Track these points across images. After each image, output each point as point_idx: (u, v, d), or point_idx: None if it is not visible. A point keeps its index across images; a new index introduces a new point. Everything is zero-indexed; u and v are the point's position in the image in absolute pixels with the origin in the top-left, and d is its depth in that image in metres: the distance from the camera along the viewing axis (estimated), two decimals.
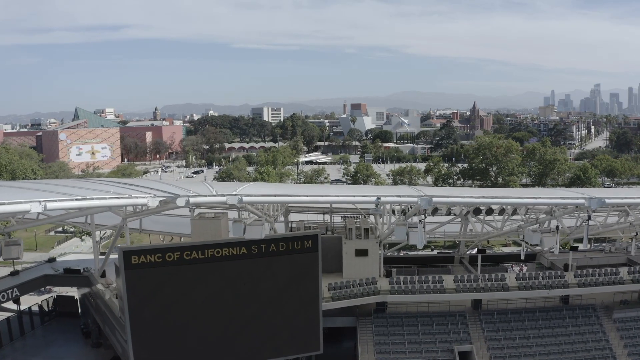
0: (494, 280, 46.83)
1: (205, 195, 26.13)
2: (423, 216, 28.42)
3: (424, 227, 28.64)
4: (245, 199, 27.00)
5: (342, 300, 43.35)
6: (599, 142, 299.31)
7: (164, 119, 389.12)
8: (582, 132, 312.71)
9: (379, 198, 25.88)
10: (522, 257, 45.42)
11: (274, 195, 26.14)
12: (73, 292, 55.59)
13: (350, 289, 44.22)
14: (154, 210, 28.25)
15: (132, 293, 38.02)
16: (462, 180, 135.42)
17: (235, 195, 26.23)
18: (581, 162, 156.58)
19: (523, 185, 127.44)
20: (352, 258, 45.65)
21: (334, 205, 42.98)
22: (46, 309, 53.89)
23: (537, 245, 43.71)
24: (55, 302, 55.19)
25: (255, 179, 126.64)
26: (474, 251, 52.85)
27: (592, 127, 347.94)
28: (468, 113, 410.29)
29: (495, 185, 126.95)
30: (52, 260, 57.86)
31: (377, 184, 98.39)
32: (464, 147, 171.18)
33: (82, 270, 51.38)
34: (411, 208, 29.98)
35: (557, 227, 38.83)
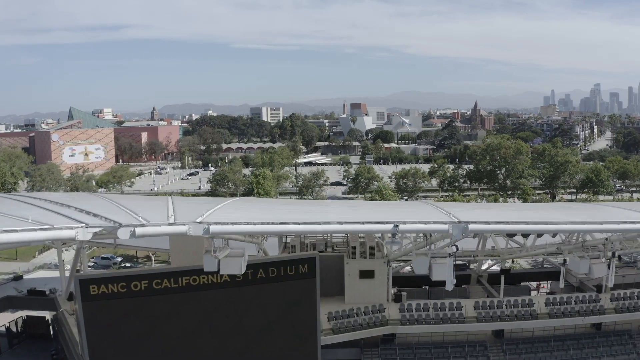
0: (520, 306, 40.19)
1: (159, 225, 19.50)
2: (454, 248, 21.62)
3: (454, 261, 21.93)
4: (214, 228, 19.86)
5: (344, 332, 36.70)
6: (602, 142, 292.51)
7: (161, 119, 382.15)
8: (586, 132, 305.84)
9: (396, 226, 19.35)
10: (561, 286, 38.58)
11: (253, 224, 19.37)
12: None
13: (354, 318, 37.53)
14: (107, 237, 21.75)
15: (91, 329, 31.42)
16: (469, 183, 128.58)
17: (201, 223, 19.84)
18: (590, 163, 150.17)
19: (533, 188, 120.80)
20: (355, 280, 39.00)
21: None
22: (15, 330, 47.44)
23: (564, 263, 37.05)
24: (25, 322, 48.75)
25: (250, 182, 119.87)
26: (488, 263, 46.40)
27: (595, 127, 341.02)
28: (469, 113, 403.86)
29: (504, 188, 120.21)
30: (18, 278, 51.61)
31: (381, 189, 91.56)
32: (470, 148, 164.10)
33: (47, 292, 45.20)
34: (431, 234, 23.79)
35: (613, 253, 31.89)
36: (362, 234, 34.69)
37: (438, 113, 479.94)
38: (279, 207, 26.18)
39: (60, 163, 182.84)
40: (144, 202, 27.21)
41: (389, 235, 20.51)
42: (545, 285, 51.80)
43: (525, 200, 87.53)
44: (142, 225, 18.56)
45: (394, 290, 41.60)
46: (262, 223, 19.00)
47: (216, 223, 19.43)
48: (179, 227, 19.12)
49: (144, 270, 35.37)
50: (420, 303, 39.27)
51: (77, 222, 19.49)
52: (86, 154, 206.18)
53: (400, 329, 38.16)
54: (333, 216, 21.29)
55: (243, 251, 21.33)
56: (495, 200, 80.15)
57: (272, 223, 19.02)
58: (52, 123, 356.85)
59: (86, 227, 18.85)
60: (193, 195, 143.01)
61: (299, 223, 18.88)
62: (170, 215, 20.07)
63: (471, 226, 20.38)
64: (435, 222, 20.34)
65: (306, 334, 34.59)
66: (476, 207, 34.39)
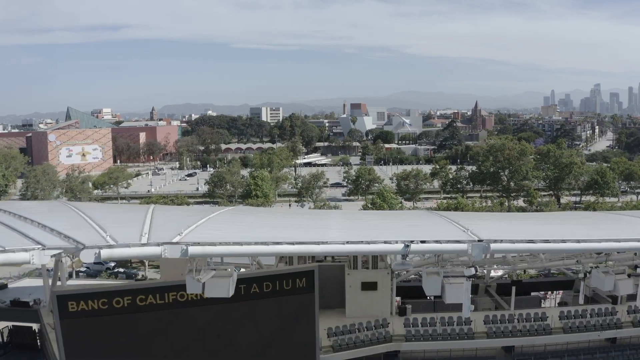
0: (532, 320, 37.56)
1: (128, 246, 17.04)
2: (473, 270, 18.69)
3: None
4: (193, 249, 17.27)
5: (345, 350, 34.04)
6: (603, 143, 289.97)
7: (160, 119, 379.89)
8: (587, 132, 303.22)
9: (407, 246, 16.61)
10: (581, 302, 35.91)
11: (240, 244, 16.72)
12: None
13: (356, 334, 34.88)
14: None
15: (70, 348, 28.82)
16: (471, 185, 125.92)
17: (178, 243, 17.02)
18: (593, 164, 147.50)
19: (537, 190, 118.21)
20: (357, 292, 36.30)
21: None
22: (0, 340, 44.93)
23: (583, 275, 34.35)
24: (11, 332, 46.18)
25: (248, 184, 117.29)
26: (495, 271, 43.79)
27: (597, 127, 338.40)
28: (469, 113, 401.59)
29: (507, 190, 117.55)
30: (2, 287, 48.91)
31: (382, 191, 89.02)
32: (473, 148, 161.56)
33: (31, 303, 42.58)
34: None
35: (635, 267, 29.06)
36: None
37: (438, 113, 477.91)
38: (272, 220, 23.23)
39: (57, 164, 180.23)
40: (118, 215, 24.39)
41: (401, 257, 17.83)
42: (550, 294, 49.43)
43: (531, 204, 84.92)
44: (109, 247, 15.92)
45: (397, 299, 39.01)
46: (251, 243, 16.39)
47: (196, 243, 16.78)
48: (152, 249, 16.43)
49: (127, 285, 32.67)
50: (427, 317, 36.59)
51: (33, 243, 16.78)
52: (83, 155, 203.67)
53: (405, 346, 35.52)
54: (333, 235, 18.48)
55: (231, 271, 18.65)
56: (502, 204, 77.54)
57: (263, 243, 16.39)
58: (50, 123, 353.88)
59: (43, 249, 16.18)
60: (190, 197, 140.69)
61: (293, 243, 16.24)
62: (144, 233, 17.34)
63: (494, 245, 17.61)
64: (451, 241, 17.60)
65: (304, 352, 31.98)
66: (490, 218, 31.50)
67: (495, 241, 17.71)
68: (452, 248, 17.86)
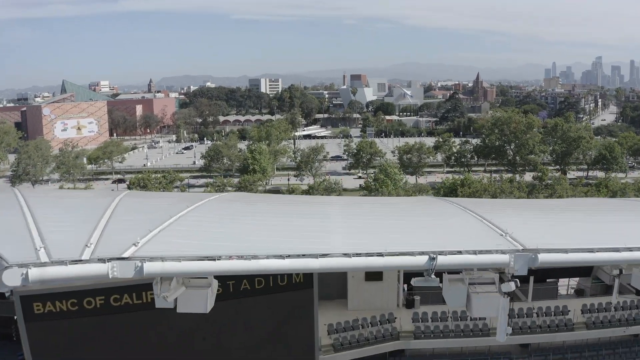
0: (553, 314, 34.09)
1: (64, 263, 12.03)
2: (512, 285, 14.31)
3: (511, 302, 14.97)
4: (150, 267, 12.97)
5: (347, 349, 30.56)
6: (606, 116, 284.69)
7: (158, 91, 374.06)
8: (590, 105, 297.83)
9: (433, 258, 12.75)
10: (614, 302, 32.55)
11: (214, 259, 12.66)
12: None
13: (359, 331, 31.42)
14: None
15: (37, 354, 25.33)
16: (476, 158, 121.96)
17: (130, 259, 12.75)
18: (597, 138, 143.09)
19: (543, 164, 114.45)
20: (360, 283, 32.72)
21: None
22: None
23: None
24: None
25: (245, 158, 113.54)
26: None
27: (599, 100, 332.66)
28: (470, 85, 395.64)
29: (513, 165, 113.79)
30: None
31: (385, 167, 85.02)
32: (478, 122, 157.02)
33: (7, 295, 39.23)
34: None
35: None
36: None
37: (439, 85, 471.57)
38: (261, 217, 19.17)
39: (52, 138, 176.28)
40: (69, 212, 20.03)
41: (426, 274, 13.78)
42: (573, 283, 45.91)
43: (541, 180, 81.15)
44: (42, 265, 12.07)
45: (404, 287, 35.47)
46: (227, 257, 12.47)
47: (154, 259, 13.08)
48: (96, 267, 12.35)
49: (100, 283, 29.07)
50: (437, 311, 33.06)
51: None
52: (79, 128, 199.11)
53: (414, 344, 32.06)
54: (336, 242, 14.28)
55: (210, 280, 14.71)
56: (511, 182, 73.70)
57: (244, 257, 12.50)
58: (48, 96, 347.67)
59: None
60: (186, 172, 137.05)
61: (284, 257, 12.34)
62: (90, 242, 13.29)
63: (543, 257, 13.77)
64: (489, 252, 13.69)
65: (302, 354, 28.48)
66: (516, 208, 27.40)
67: (544, 251, 13.87)
68: (490, 260, 13.83)
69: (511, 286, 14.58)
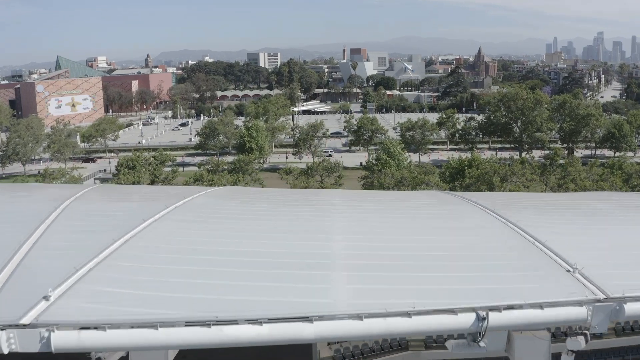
0: None
1: None
2: (581, 342, 9.94)
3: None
4: (60, 340, 7.82)
5: None
6: (609, 92, 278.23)
7: (156, 66, 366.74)
8: (593, 81, 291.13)
9: (483, 318, 8.91)
10: None
11: (156, 327, 8.70)
12: None
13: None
14: None
15: None
16: (481, 136, 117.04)
17: (33, 327, 7.70)
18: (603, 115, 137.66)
19: (552, 142, 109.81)
20: None
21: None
22: None
23: None
24: None
25: (242, 135, 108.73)
26: None
27: (602, 76, 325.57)
28: (472, 59, 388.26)
29: (520, 142, 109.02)
30: None
31: (388, 146, 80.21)
32: (483, 97, 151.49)
33: None
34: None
35: None
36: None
37: (440, 59, 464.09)
38: (241, 233, 14.39)
39: (46, 116, 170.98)
40: None
41: (471, 340, 9.37)
42: None
43: (552, 161, 76.49)
44: None
45: None
46: (179, 322, 7.89)
47: (67, 325, 7.97)
48: None
49: None
50: None
51: None
52: (73, 105, 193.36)
53: (424, 355, 27.78)
54: (338, 289, 9.78)
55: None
56: (523, 163, 69.10)
57: (203, 324, 7.83)
58: (44, 72, 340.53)
59: None
60: (182, 149, 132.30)
61: (261, 322, 7.90)
62: None
63: (630, 307, 10.00)
64: (559, 304, 9.04)
65: None
66: (553, 208, 22.53)
67: (633, 299, 9.13)
68: (563, 317, 9.11)
69: (580, 343, 10.08)
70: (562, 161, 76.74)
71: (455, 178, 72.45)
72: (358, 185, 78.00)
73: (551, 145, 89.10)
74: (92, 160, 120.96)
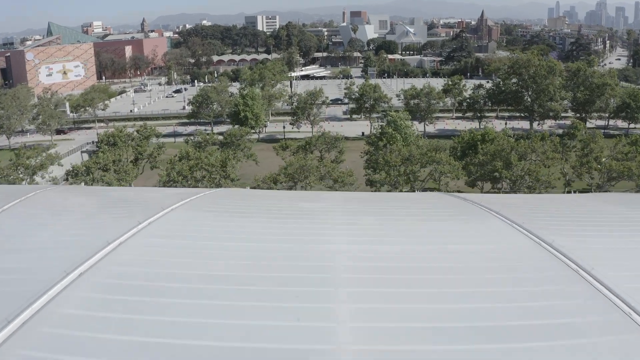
0: None
1: None
2: None
3: None
4: None
5: None
6: (614, 59, 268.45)
7: (152, 31, 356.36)
8: (599, 47, 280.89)
9: None
10: None
11: None
12: None
13: None
14: None
15: None
16: (490, 104, 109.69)
17: None
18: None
19: (565, 113, 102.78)
20: None
21: None
22: None
23: None
24: None
25: (236, 104, 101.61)
26: None
27: (607, 42, 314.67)
28: (474, 23, 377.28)
29: (531, 112, 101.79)
30: None
31: (394, 119, 72.80)
32: (490, 63, 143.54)
33: None
34: None
35: None
36: None
37: (442, 22, 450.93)
38: (217, 272, 9.20)
39: (36, 84, 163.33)
40: None
41: None
42: None
43: (571, 136, 69.41)
44: None
45: None
46: None
47: None
48: None
49: None
50: None
51: None
52: (64, 73, 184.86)
53: None
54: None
55: None
56: (543, 139, 61.78)
57: None
58: (38, 39, 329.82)
59: None
60: (175, 118, 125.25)
61: None
62: None
63: None
64: None
65: None
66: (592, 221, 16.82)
67: None
68: None
69: None
70: (583, 135, 69.91)
71: (467, 153, 65.94)
72: (361, 162, 71.44)
73: (565, 115, 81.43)
74: (63, 132, 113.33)
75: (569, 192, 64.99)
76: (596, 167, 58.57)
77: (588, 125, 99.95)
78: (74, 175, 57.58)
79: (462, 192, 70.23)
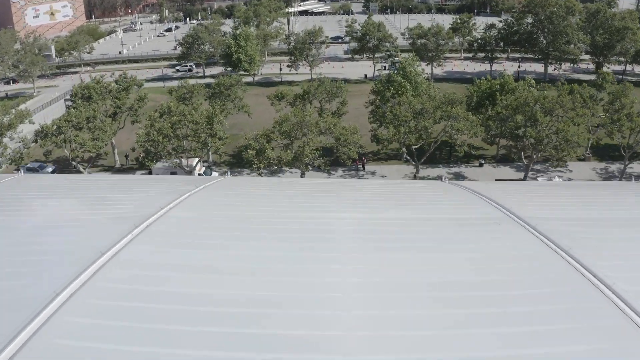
0: None
1: None
2: None
3: None
4: None
5: None
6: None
7: None
8: None
9: None
10: None
11: None
12: None
13: None
14: None
15: None
16: (502, 45, 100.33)
17: None
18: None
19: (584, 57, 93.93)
20: None
21: None
22: None
23: None
24: None
25: (228, 45, 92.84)
26: None
27: None
28: None
29: (546, 55, 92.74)
30: None
31: (404, 65, 63.35)
32: (505, 3, 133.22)
33: None
34: None
35: None
36: None
37: None
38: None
39: (23, 27, 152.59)
40: None
41: None
42: None
43: (599, 87, 60.66)
44: None
45: None
46: None
47: None
48: None
49: None
50: None
51: None
52: (52, 14, 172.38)
53: None
54: None
55: None
56: (571, 92, 52.78)
57: None
58: None
59: None
60: (165, 59, 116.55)
61: None
62: None
63: None
64: None
65: None
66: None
67: None
68: None
69: None
70: (611, 86, 61.69)
71: (483, 104, 58.30)
72: (364, 111, 63.91)
73: (606, 72, 71.44)
74: (14, 81, 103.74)
75: (593, 149, 57.97)
76: (629, 126, 51.27)
77: (604, 70, 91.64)
78: (43, 137, 50.42)
79: (479, 149, 63.48)
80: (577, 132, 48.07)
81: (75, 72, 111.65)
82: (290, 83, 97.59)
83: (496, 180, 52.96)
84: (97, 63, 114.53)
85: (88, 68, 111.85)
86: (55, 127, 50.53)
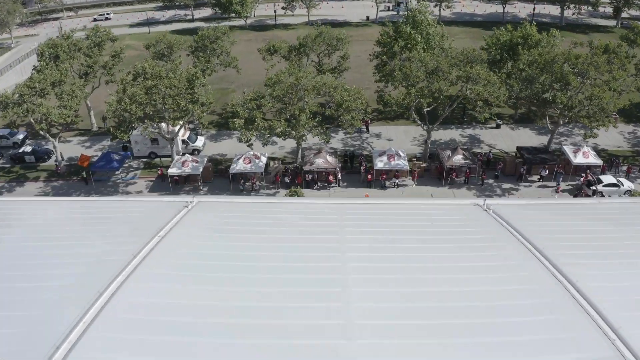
0: None
1: None
2: None
3: None
4: None
5: None
6: None
7: None
8: None
9: None
10: None
11: None
12: None
13: None
14: None
15: None
16: None
17: None
18: None
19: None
20: None
21: None
22: None
23: None
24: None
25: None
26: None
27: None
28: None
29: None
30: None
31: (413, 14, 54.04)
32: None
33: None
34: None
35: None
36: None
37: None
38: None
39: None
40: None
41: None
42: None
43: (632, 42, 52.53)
44: None
45: None
46: None
47: None
48: None
49: None
50: None
51: None
52: None
53: None
54: None
55: None
56: (607, 51, 43.94)
57: None
58: None
59: None
60: (152, 1, 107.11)
61: None
62: None
63: None
64: None
65: None
66: None
67: None
68: None
69: None
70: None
71: (503, 57, 50.59)
72: (369, 66, 56.18)
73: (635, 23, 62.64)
74: None
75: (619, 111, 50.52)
76: None
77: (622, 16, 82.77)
78: (3, 108, 43.27)
79: (501, 117, 55.89)
80: (614, 99, 40.76)
81: (57, 19, 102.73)
82: (286, 27, 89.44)
83: (519, 153, 46.21)
84: (79, 7, 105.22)
85: (71, 13, 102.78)
86: (17, 95, 43.31)
